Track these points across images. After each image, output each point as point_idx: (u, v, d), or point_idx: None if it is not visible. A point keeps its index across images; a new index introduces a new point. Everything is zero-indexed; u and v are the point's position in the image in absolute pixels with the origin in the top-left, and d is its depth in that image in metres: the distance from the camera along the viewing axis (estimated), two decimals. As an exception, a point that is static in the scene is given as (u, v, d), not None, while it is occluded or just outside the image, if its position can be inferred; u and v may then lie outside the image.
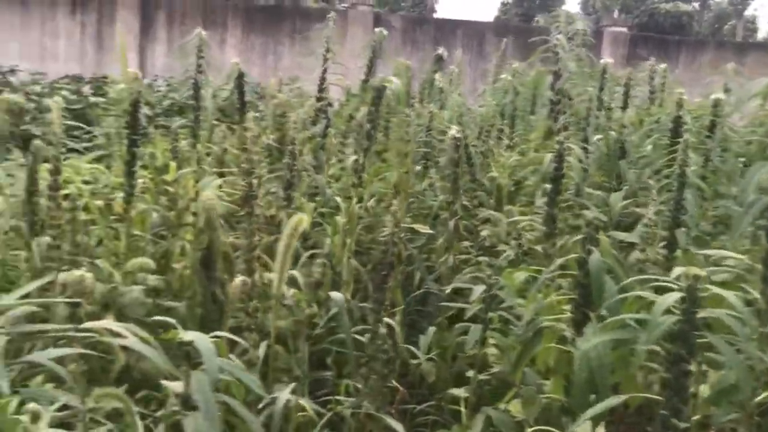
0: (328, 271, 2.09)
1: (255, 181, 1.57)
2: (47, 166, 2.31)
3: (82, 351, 0.93)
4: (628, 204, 2.58)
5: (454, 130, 2.30)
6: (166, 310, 2.26)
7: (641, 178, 2.71)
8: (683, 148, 1.80)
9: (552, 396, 1.43)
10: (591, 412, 1.02)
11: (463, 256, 2.57)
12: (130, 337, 1.04)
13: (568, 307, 1.51)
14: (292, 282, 1.85)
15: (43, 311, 1.26)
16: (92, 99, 6.64)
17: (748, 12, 34.51)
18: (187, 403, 0.85)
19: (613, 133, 2.52)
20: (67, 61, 14.06)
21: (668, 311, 1.08)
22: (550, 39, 2.20)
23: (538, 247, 2.29)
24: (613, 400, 1.04)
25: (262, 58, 13.59)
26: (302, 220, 1.11)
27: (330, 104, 3.11)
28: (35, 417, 0.65)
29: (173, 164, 2.79)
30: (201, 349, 0.79)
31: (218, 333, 0.89)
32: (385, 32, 3.99)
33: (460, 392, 1.91)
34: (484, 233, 2.67)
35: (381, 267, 1.76)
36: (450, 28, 12.93)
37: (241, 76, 2.58)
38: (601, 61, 3.07)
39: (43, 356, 0.86)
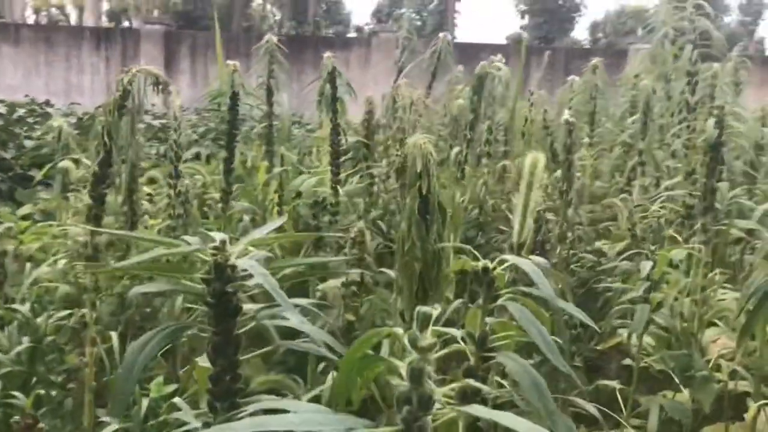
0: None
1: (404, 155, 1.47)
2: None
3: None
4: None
5: (567, 114, 2.18)
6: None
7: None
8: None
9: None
10: None
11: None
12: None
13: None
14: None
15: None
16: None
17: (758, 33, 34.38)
18: (483, 344, 0.72)
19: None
20: (93, 95, 14.13)
21: None
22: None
23: (671, 231, 2.16)
24: None
25: (286, 85, 13.61)
26: (540, 157, 0.99)
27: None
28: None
29: (264, 164, 2.70)
30: (534, 277, 0.67)
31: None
32: (450, 37, 3.92)
33: (612, 383, 1.77)
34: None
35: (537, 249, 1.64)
36: (473, 51, 12.93)
37: (333, 71, 2.49)
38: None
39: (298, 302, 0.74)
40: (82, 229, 2.00)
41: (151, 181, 3.15)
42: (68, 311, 2.01)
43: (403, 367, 0.50)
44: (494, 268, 0.71)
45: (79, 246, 2.06)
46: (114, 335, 1.84)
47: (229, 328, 0.75)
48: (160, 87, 1.45)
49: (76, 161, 3.09)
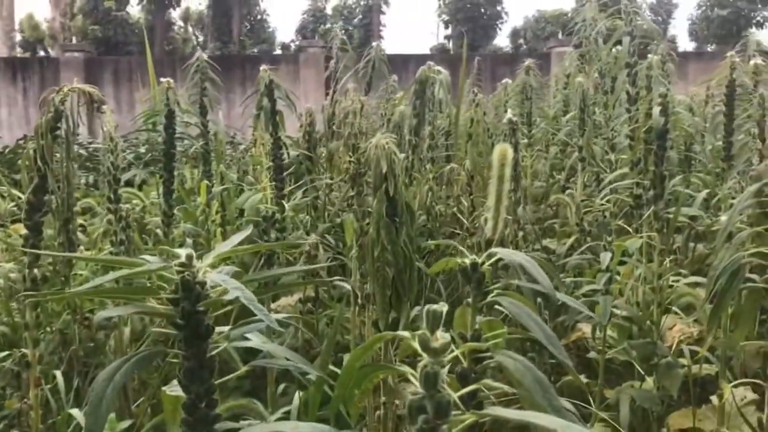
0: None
1: (362, 158, 1.43)
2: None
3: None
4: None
5: (509, 113, 2.19)
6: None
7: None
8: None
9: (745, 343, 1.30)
10: None
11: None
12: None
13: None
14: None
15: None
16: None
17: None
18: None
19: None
20: (11, 128, 13.60)
21: None
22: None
23: (620, 223, 2.19)
24: None
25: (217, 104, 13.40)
26: (509, 148, 0.96)
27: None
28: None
29: (204, 183, 2.61)
30: (531, 270, 0.63)
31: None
32: (383, 47, 3.91)
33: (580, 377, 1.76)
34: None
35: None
36: (402, 61, 13.03)
37: (271, 83, 2.43)
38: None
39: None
40: (16, 265, 1.88)
41: (82, 212, 3.01)
42: (5, 353, 1.88)
43: (411, 373, 0.46)
44: (483, 264, 0.68)
45: (13, 282, 1.93)
46: (58, 374, 1.73)
47: (201, 351, 0.69)
48: (96, 106, 1.37)
49: (2, 195, 2.93)
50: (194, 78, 2.97)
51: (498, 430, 1.29)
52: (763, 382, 1.21)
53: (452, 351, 0.46)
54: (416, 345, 0.45)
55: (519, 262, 0.65)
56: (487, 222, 0.88)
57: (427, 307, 0.47)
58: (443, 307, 0.47)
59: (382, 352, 1.01)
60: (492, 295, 0.67)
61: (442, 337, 0.45)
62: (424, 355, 0.44)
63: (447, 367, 0.70)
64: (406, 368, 0.46)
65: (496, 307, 0.90)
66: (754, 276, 1.21)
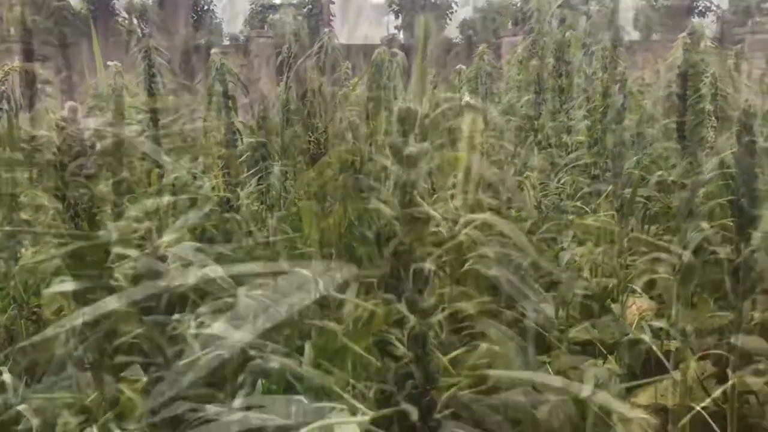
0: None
1: (322, 138, 1.40)
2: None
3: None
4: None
5: (467, 96, 2.17)
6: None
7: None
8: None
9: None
10: None
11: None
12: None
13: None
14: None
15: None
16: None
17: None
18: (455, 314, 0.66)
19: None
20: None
21: None
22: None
23: (578, 204, 2.20)
24: None
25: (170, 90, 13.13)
26: (477, 117, 0.94)
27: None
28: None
29: (156, 171, 2.53)
30: (513, 236, 0.61)
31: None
32: (335, 34, 3.87)
33: (542, 358, 1.77)
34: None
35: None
36: (354, 51, 13.00)
37: (222, 66, 2.36)
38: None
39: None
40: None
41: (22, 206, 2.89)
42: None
43: (398, 337, 0.43)
44: (460, 231, 0.65)
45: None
46: (5, 371, 1.65)
47: (163, 329, 0.65)
48: (39, 87, 1.30)
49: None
50: (142, 64, 2.88)
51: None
52: (726, 353, 1.22)
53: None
54: (403, 308, 0.42)
55: (503, 227, 0.63)
56: (455, 197, 0.86)
57: (413, 266, 0.44)
58: (431, 265, 0.45)
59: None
60: (469, 263, 0.65)
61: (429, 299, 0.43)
62: (411, 317, 0.41)
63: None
64: (392, 331, 0.43)
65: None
66: (717, 248, 1.22)
